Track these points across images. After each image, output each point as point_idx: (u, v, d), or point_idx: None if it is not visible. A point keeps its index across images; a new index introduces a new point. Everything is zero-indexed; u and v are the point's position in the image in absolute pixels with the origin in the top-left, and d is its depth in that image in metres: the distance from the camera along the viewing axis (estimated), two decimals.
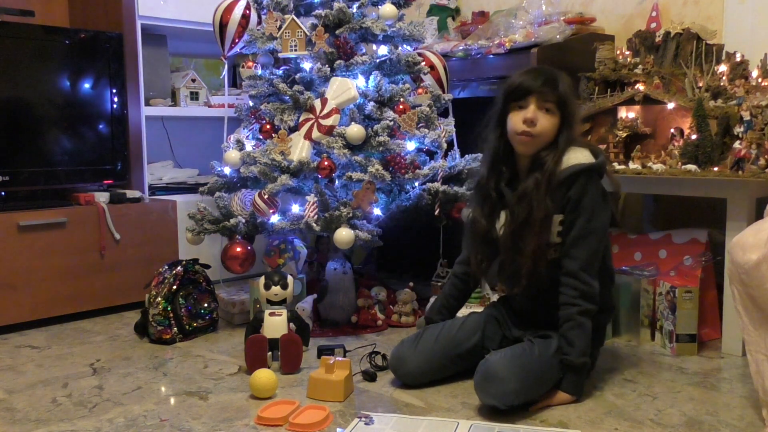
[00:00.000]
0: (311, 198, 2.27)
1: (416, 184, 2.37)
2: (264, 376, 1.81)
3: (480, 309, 2.15)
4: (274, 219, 2.33)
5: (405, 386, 1.87)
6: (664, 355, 2.15)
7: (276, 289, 2.04)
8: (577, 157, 1.78)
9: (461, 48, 2.83)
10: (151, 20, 2.91)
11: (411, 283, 2.56)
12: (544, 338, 1.80)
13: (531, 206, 1.75)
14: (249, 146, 2.47)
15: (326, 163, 2.28)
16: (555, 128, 1.79)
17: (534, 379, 1.70)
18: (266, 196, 2.30)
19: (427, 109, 2.44)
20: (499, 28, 2.83)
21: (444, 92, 2.64)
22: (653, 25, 2.64)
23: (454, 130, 2.60)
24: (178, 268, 2.37)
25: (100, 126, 2.82)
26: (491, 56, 2.73)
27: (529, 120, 1.77)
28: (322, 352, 2.08)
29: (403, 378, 1.88)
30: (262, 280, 2.07)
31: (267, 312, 2.04)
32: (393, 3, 2.45)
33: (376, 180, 2.22)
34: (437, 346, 1.88)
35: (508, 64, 2.70)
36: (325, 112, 2.33)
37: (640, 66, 2.46)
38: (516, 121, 1.79)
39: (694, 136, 2.18)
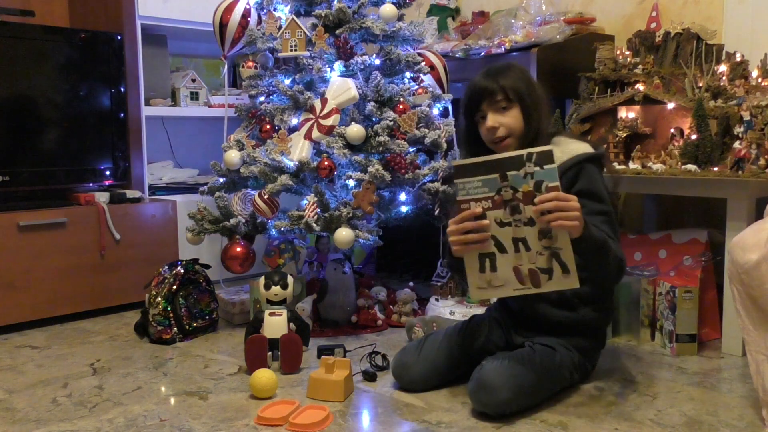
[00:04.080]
0: (311, 198, 2.27)
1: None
2: (264, 376, 1.81)
3: (481, 310, 2.15)
4: (274, 219, 2.33)
5: (408, 390, 1.86)
6: (664, 355, 2.15)
7: (276, 289, 2.04)
8: (579, 147, 1.81)
9: (461, 48, 2.83)
10: (151, 20, 2.91)
11: (411, 283, 2.56)
12: (547, 347, 1.79)
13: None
14: (249, 146, 2.47)
15: (326, 163, 2.28)
16: (520, 120, 1.79)
17: (529, 390, 1.69)
18: (266, 196, 2.30)
19: (427, 109, 2.44)
20: (499, 28, 2.83)
21: (444, 92, 2.64)
22: (653, 25, 2.64)
23: (454, 130, 2.60)
24: (178, 268, 2.37)
25: (100, 126, 2.82)
26: (491, 56, 2.73)
27: (490, 128, 1.79)
28: (322, 352, 2.08)
29: (408, 385, 1.86)
30: (262, 280, 2.07)
31: (267, 312, 2.04)
32: (393, 3, 2.45)
33: (376, 180, 2.22)
34: (441, 352, 1.87)
35: None
36: (325, 112, 2.33)
37: (640, 66, 2.46)
38: (484, 133, 1.82)
39: (694, 136, 2.18)
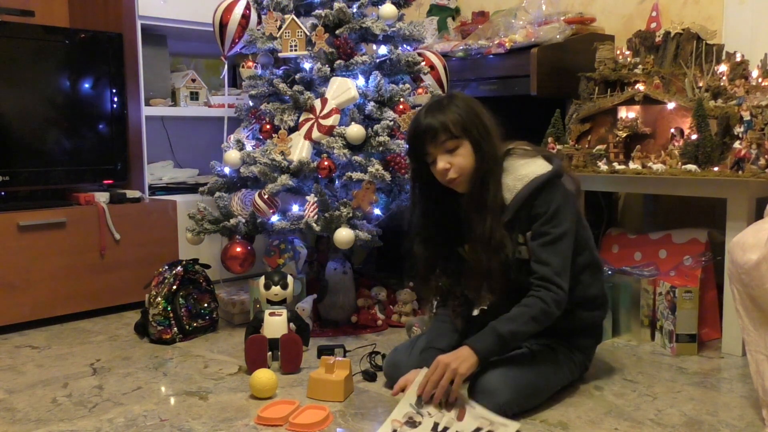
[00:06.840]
0: (311, 198, 2.27)
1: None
2: (264, 376, 1.81)
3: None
4: (274, 219, 2.33)
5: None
6: (664, 355, 2.15)
7: (276, 289, 2.04)
8: (534, 170, 1.73)
9: (461, 48, 2.83)
10: (151, 20, 2.91)
11: (411, 283, 2.55)
12: (546, 347, 1.79)
13: (491, 246, 1.72)
14: (249, 146, 2.47)
15: (326, 163, 2.28)
16: (470, 156, 1.73)
17: (528, 391, 1.69)
18: (266, 196, 2.30)
19: None
20: (499, 28, 2.83)
21: (444, 92, 2.64)
22: (653, 25, 2.64)
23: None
24: (178, 268, 2.37)
25: (100, 126, 2.82)
26: (491, 56, 2.73)
27: (443, 171, 1.73)
28: (322, 352, 2.08)
29: None
30: (262, 280, 2.07)
31: (267, 312, 2.04)
32: (393, 3, 2.45)
33: (376, 180, 2.22)
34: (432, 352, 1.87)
35: (508, 64, 2.70)
36: (325, 112, 2.33)
37: (640, 66, 2.46)
38: (436, 175, 1.76)
39: (694, 136, 2.18)
